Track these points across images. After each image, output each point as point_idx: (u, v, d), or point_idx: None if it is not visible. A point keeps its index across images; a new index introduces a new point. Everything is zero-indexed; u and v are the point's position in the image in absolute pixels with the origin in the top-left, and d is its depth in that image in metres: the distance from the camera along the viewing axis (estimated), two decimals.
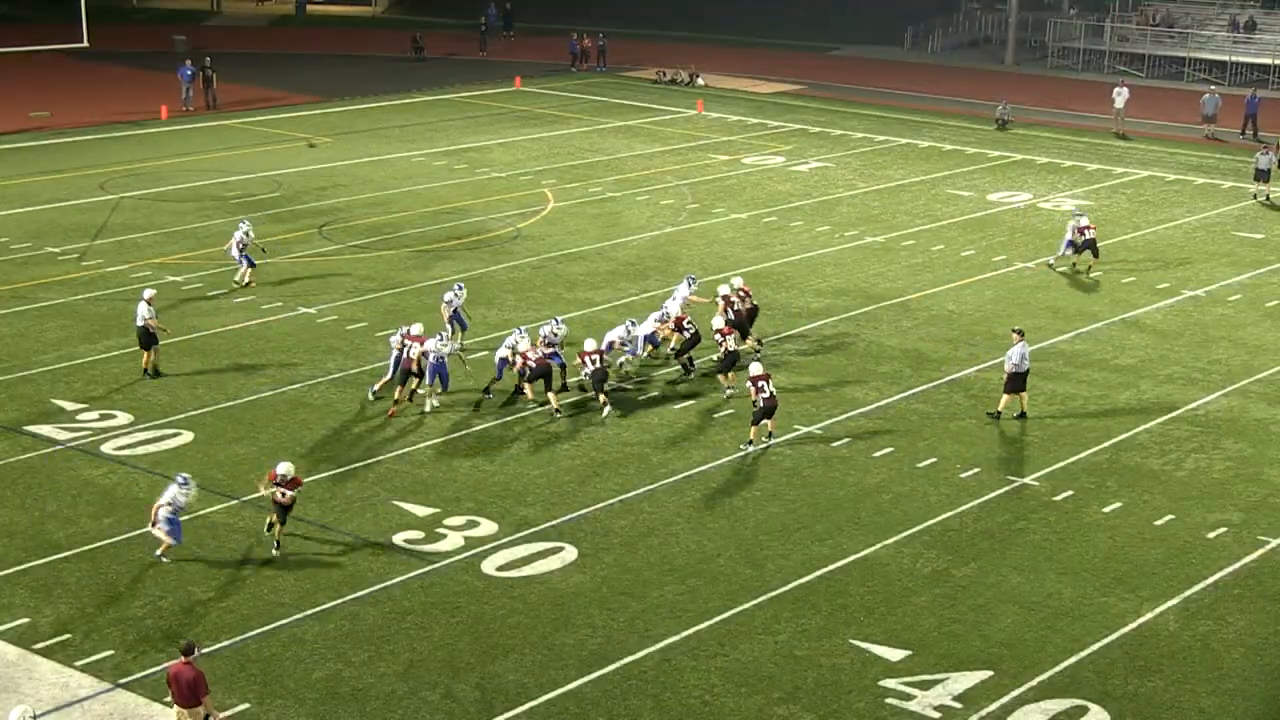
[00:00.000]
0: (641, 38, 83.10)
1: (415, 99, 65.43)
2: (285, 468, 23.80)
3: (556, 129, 59.02)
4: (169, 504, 23.45)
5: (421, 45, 77.19)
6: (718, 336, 31.12)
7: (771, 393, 28.25)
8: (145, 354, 31.21)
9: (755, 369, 28.61)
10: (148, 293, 31.59)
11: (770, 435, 28.51)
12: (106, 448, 27.77)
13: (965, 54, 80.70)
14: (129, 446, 27.87)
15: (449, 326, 32.56)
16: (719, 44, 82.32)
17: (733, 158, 54.30)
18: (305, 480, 26.40)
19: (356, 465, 27.24)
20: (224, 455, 27.58)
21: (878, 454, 28.29)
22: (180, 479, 23.62)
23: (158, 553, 23.53)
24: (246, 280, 36.85)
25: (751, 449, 28.15)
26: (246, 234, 37.47)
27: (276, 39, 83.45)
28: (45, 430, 28.46)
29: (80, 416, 29.18)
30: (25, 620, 21.65)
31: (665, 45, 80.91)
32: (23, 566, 23.29)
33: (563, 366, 30.59)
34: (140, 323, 31.03)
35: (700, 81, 70.02)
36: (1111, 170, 53.55)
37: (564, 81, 70.65)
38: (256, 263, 37.38)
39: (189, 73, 62.03)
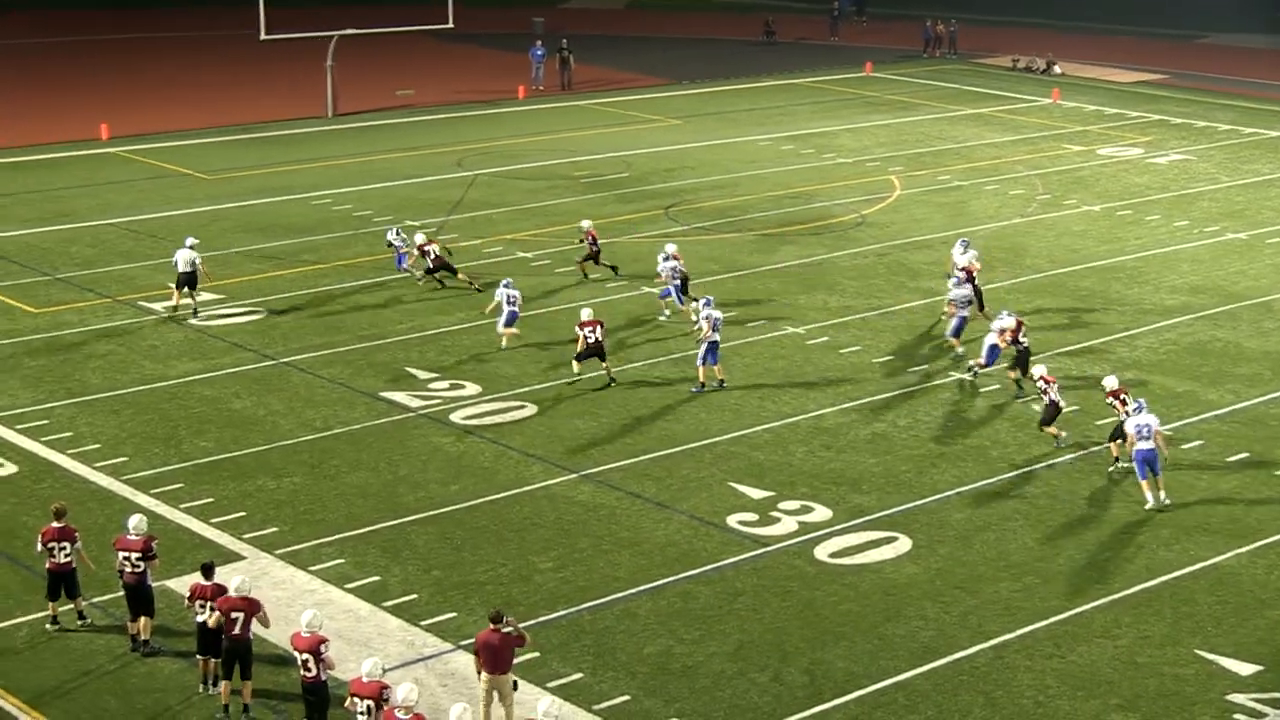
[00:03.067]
0: (996, 24, 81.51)
1: (764, 83, 65.65)
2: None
3: (905, 115, 58.43)
4: None
5: (773, 29, 77.42)
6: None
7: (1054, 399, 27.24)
8: (177, 293, 33.60)
9: (1040, 370, 27.83)
10: (190, 240, 34.09)
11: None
12: (455, 416, 28.68)
13: None
14: (476, 416, 28.74)
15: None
16: (1078, 31, 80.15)
17: (1087, 148, 52.84)
18: (642, 458, 26.78)
19: (693, 445, 27.51)
20: (566, 430, 28.20)
21: (1232, 459, 27.18)
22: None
23: None
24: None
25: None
26: (401, 239, 36.74)
27: (631, 21, 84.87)
28: (399, 397, 29.58)
29: (432, 385, 30.11)
30: (376, 578, 22.58)
31: (1021, 31, 79.20)
32: (375, 527, 24.30)
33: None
34: (186, 268, 33.30)
35: (1057, 69, 68.31)
36: None
37: (915, 67, 69.88)
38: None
39: (540, 53, 63.62)
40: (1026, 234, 41.72)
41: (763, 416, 28.85)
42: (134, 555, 20.47)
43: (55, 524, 20.95)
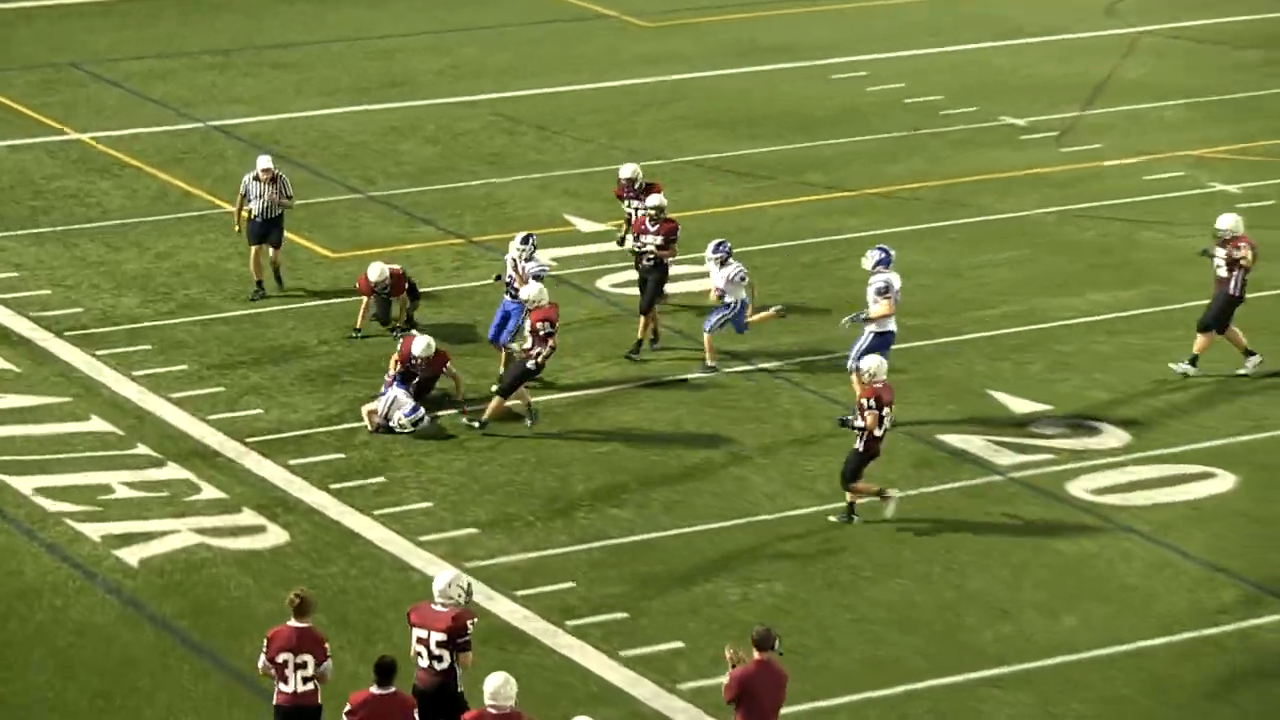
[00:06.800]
0: None
1: None
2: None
3: None
4: None
5: None
6: None
7: None
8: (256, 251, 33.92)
9: None
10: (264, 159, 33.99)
11: None
12: (1076, 486, 28.17)
13: None
14: (1115, 489, 28.04)
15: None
16: None
17: None
18: None
19: None
20: None
21: None
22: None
23: None
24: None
25: None
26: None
27: None
28: (972, 444, 29.36)
29: (1036, 427, 29.81)
30: None
31: None
32: (917, 686, 23.35)
33: None
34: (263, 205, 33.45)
35: None
36: None
37: None
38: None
39: None
40: None
41: None
42: (435, 638, 20.63)
43: (294, 623, 20.99)
